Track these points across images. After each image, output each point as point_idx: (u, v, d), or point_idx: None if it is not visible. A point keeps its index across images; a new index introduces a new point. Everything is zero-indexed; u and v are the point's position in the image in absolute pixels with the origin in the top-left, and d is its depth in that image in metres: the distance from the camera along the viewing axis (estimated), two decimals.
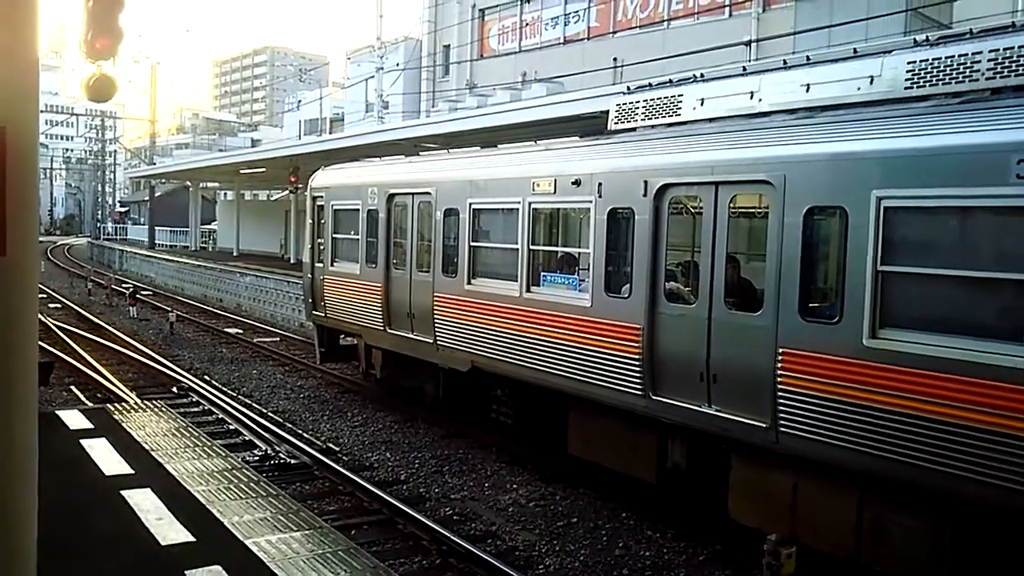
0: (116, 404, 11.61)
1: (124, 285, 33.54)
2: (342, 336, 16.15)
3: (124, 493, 7.29)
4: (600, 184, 9.34)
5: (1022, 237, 5.91)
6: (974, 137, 6.27)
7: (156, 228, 55.37)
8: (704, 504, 8.97)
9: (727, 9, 26.02)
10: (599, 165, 9.55)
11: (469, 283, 11.52)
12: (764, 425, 7.56)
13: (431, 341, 12.30)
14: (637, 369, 8.81)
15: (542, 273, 10.53)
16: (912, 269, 6.67)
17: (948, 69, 7.00)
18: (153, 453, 8.63)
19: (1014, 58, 6.58)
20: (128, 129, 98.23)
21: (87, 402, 14.20)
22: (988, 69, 6.74)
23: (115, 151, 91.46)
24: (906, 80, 7.26)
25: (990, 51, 6.76)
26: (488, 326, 11.07)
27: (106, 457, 8.36)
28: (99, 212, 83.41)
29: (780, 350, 7.38)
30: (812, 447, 7.20)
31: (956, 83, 6.91)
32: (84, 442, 8.83)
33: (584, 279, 9.78)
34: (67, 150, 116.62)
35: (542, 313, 10.14)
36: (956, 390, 6.19)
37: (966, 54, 6.91)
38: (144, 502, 7.11)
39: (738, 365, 7.86)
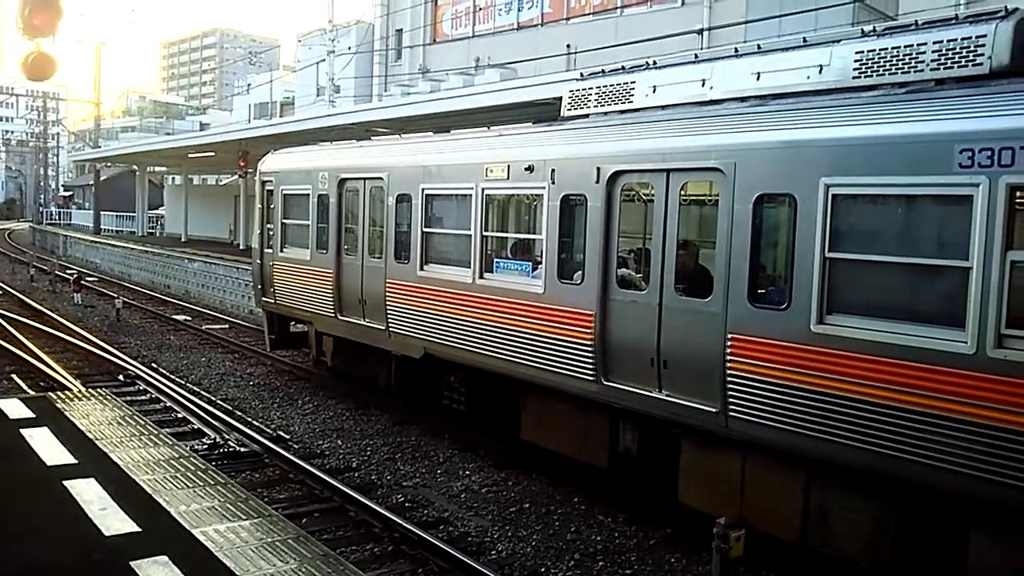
0: (59, 392, 11.33)
1: (68, 271, 32.76)
2: (292, 323, 15.97)
3: (66, 483, 7.11)
4: (553, 170, 9.34)
5: (962, 225, 6.03)
6: (918, 127, 6.38)
7: (101, 213, 54.08)
8: (655, 489, 9.05)
9: None
10: (552, 151, 9.54)
11: (422, 269, 11.45)
12: (714, 410, 7.65)
13: (383, 328, 12.22)
14: (589, 355, 8.84)
15: (495, 259, 10.51)
16: (859, 256, 6.78)
17: (894, 59, 7.10)
18: (97, 442, 8.43)
19: (957, 49, 6.71)
20: (72, 111, 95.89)
21: (28, 391, 13.84)
22: (932, 60, 6.85)
23: (58, 133, 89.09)
24: (854, 70, 7.35)
25: (934, 43, 6.88)
26: (441, 312, 11.03)
27: (48, 447, 8.15)
28: (41, 196, 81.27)
29: (729, 336, 7.47)
30: (761, 431, 7.31)
31: (902, 73, 7.02)
32: (25, 431, 8.59)
33: (537, 266, 9.78)
34: (7, 131, 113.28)
35: (495, 299, 10.12)
36: (899, 374, 6.33)
37: (911, 45, 7.02)
38: (87, 492, 6.94)
39: (688, 351, 7.94)
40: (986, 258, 5.90)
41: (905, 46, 7.06)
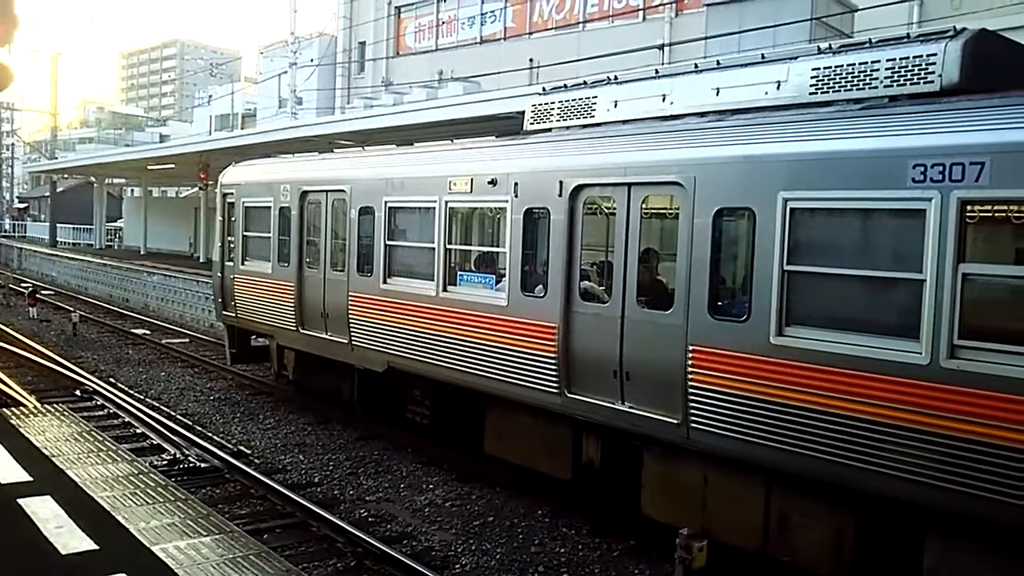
0: (13, 409, 11.08)
1: (23, 284, 32.17)
2: (253, 337, 15.83)
3: (21, 502, 6.96)
4: (516, 184, 9.39)
5: (916, 238, 6.17)
6: (873, 142, 6.53)
7: (58, 225, 53.14)
8: (618, 500, 9.10)
9: (641, 13, 26.46)
10: (515, 165, 9.60)
11: (385, 282, 11.43)
12: (675, 421, 7.72)
13: (346, 341, 12.16)
14: (553, 367, 8.88)
15: (459, 272, 10.52)
16: (816, 269, 6.91)
17: (849, 76, 7.27)
18: (54, 459, 8.27)
19: (909, 67, 6.89)
20: (27, 122, 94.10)
21: None
22: (886, 77, 7.03)
23: (13, 144, 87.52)
24: (810, 86, 7.51)
25: (887, 60, 7.05)
26: (405, 326, 11.00)
27: (2, 464, 7.96)
28: None
29: (691, 348, 7.55)
30: (722, 443, 7.39)
31: (857, 90, 7.19)
32: None
33: (501, 278, 9.81)
34: None
35: (459, 312, 10.13)
36: (856, 385, 6.44)
37: (865, 62, 7.19)
38: (43, 510, 6.80)
39: (650, 363, 8.01)
40: (939, 270, 6.04)
41: (860, 63, 7.23)
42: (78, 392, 15.27)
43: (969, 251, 5.99)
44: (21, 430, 9.27)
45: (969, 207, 5.96)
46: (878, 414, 6.33)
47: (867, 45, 7.45)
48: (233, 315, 15.34)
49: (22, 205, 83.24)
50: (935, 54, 6.78)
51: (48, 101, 55.86)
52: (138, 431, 12.93)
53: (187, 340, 22.19)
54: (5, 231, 70.30)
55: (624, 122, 9.02)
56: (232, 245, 15.33)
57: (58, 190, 54.89)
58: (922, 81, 6.81)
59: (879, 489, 6.47)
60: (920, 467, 6.12)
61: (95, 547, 6.15)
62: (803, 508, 7.19)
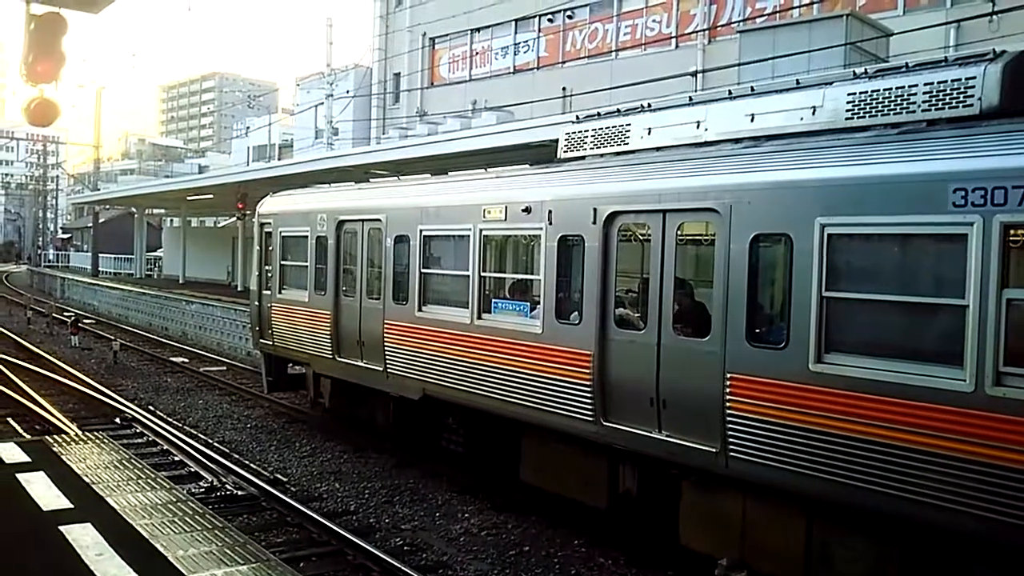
0: (56, 436, 11.24)
1: (66, 313, 32.74)
2: (290, 365, 15.94)
3: (63, 528, 7.04)
4: (550, 211, 9.40)
5: (958, 263, 6.07)
6: (912, 167, 6.45)
7: (100, 255, 54.21)
8: (656, 529, 8.98)
9: (673, 40, 26.54)
10: (549, 193, 9.61)
11: (420, 310, 11.47)
12: (714, 450, 7.62)
13: (381, 369, 12.20)
14: (588, 395, 8.83)
15: (493, 300, 10.53)
16: (855, 295, 6.82)
17: (886, 101, 7.21)
18: (94, 486, 8.36)
19: (947, 91, 6.81)
20: (71, 154, 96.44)
21: (24, 434, 13.76)
22: (924, 101, 6.96)
23: (57, 176, 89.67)
24: (847, 111, 7.46)
25: (925, 84, 6.98)
26: (439, 353, 11.02)
27: (44, 491, 8.07)
28: (40, 238, 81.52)
29: (728, 375, 7.47)
30: (761, 471, 7.27)
31: (894, 114, 7.12)
32: (20, 476, 8.52)
33: (535, 306, 9.80)
34: (6, 175, 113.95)
35: (493, 340, 10.13)
36: (898, 413, 6.32)
37: (903, 87, 7.13)
38: (84, 537, 6.87)
39: (687, 390, 7.93)
40: (982, 296, 5.93)
41: (896, 88, 7.17)
42: (118, 420, 15.47)
43: (1013, 276, 5.88)
44: (63, 457, 9.39)
45: (1012, 231, 5.86)
46: (920, 442, 6.20)
47: (904, 69, 7.40)
48: (270, 343, 15.47)
49: (65, 235, 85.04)
50: (974, 77, 6.70)
51: (92, 134, 57.21)
52: (176, 459, 13.04)
53: (224, 368, 22.40)
54: (49, 261, 71.84)
55: (658, 149, 9.01)
56: (269, 274, 15.50)
57: (100, 220, 56.03)
58: (961, 105, 6.73)
59: (923, 519, 6.32)
60: (965, 496, 5.97)
61: (135, 575, 6.19)
62: (845, 538, 7.05)
